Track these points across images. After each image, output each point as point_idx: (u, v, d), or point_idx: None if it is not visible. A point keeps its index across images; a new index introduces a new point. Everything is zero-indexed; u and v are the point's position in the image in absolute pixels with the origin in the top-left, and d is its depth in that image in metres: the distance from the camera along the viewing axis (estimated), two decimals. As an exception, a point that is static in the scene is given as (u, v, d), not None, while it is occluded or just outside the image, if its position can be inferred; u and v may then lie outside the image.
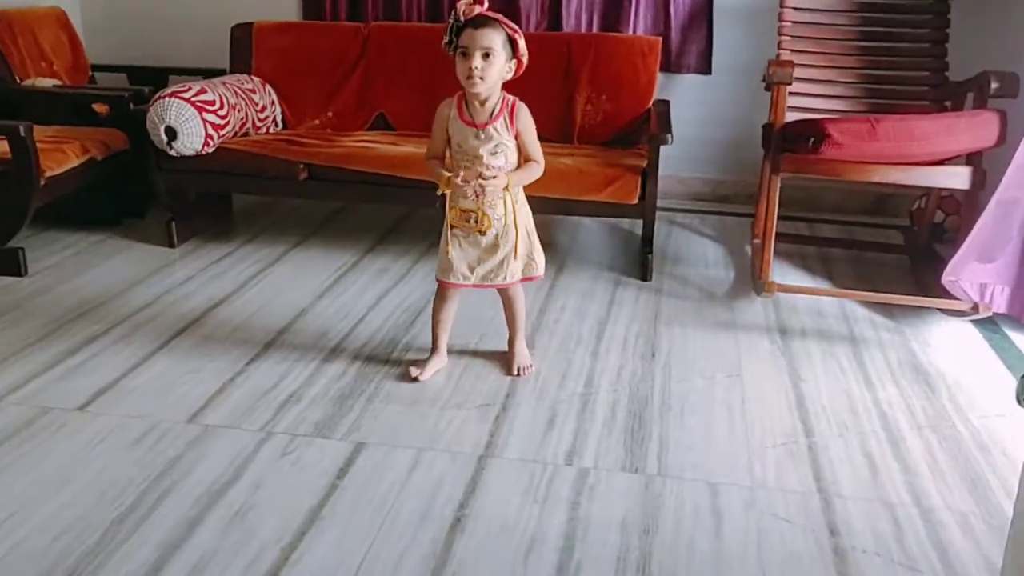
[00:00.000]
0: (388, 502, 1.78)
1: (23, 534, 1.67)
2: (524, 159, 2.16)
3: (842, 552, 1.67)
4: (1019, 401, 1.35)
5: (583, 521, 1.74)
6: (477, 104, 2.07)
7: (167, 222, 3.21)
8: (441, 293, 2.28)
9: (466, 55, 1.99)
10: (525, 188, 2.21)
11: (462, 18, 1.99)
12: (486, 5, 2.01)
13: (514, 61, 2.06)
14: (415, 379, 2.26)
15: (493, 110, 2.08)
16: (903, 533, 1.73)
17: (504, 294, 2.28)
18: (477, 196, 2.09)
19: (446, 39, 2.02)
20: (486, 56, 1.99)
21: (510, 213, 2.15)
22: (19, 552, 1.62)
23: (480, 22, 1.99)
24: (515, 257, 2.18)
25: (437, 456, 1.94)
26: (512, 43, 2.03)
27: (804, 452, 2.01)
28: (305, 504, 1.77)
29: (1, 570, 1.59)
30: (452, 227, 2.16)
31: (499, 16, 2.02)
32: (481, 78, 2.00)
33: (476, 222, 2.13)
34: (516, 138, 2.12)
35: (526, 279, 2.25)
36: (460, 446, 1.98)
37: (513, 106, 2.10)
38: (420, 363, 2.32)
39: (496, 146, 2.09)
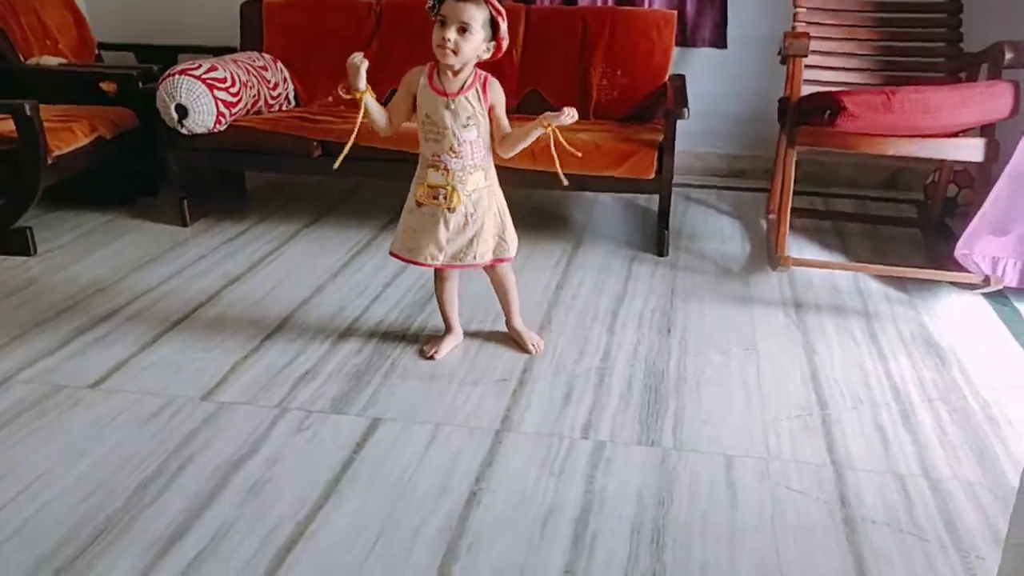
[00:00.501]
0: (405, 476, 1.79)
1: (50, 496, 1.71)
2: (496, 128, 2.09)
3: (852, 523, 1.68)
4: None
5: (599, 494, 1.74)
6: (450, 74, 2.02)
7: (179, 201, 3.21)
8: (437, 275, 2.25)
9: (444, 24, 1.95)
10: (536, 161, 2.16)
11: None
12: None
13: (493, 43, 2.01)
14: (431, 358, 2.26)
15: (464, 82, 2.03)
16: (912, 504, 1.74)
17: (491, 274, 2.26)
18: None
19: (430, 3, 1.97)
20: (463, 31, 1.94)
21: (481, 190, 2.11)
22: (48, 510, 1.67)
23: None
24: (486, 236, 2.14)
25: (454, 431, 1.95)
26: (494, 24, 1.98)
27: (818, 425, 2.01)
28: (322, 478, 1.78)
29: (30, 527, 1.63)
30: (419, 204, 2.11)
31: None
32: (453, 51, 1.95)
33: (445, 199, 2.07)
34: (489, 112, 2.07)
35: (496, 261, 2.20)
36: (477, 421, 1.99)
37: (485, 80, 2.06)
38: (434, 341, 2.32)
39: (468, 118, 2.03)
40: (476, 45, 1.98)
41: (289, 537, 1.61)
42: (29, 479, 1.76)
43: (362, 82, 2.01)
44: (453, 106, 2.03)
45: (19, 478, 1.76)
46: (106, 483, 1.75)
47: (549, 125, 2.01)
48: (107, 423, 1.96)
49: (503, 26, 1.99)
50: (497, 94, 2.07)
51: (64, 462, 1.81)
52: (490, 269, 2.24)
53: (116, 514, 1.66)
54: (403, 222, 2.17)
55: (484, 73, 2.07)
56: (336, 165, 2.13)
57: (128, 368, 2.21)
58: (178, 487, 1.74)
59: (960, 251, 2.58)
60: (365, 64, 1.99)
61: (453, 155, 2.05)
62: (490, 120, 2.08)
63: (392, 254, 2.20)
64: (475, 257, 2.15)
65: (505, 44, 2.03)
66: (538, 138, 2.06)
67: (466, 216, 2.10)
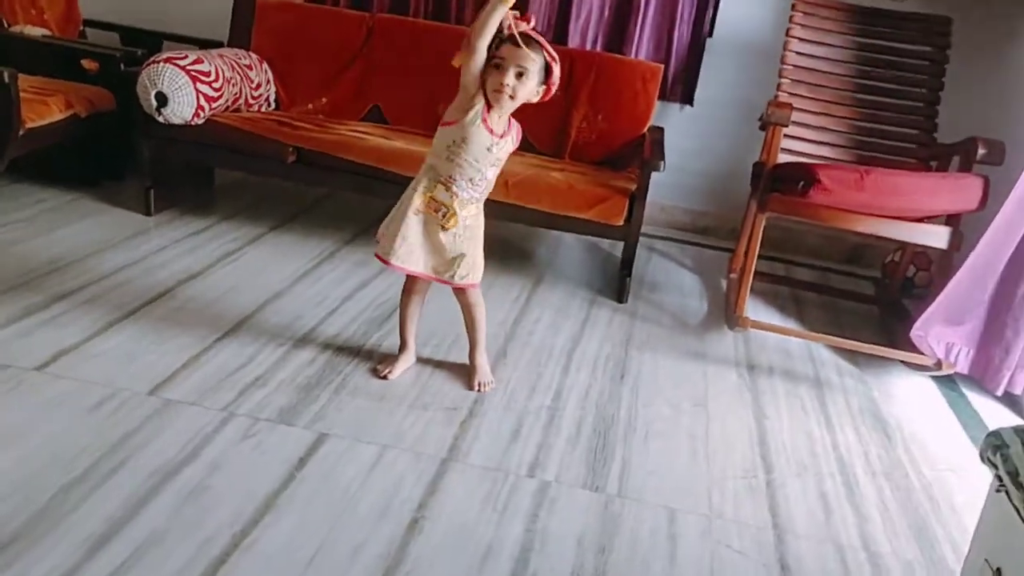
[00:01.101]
0: (347, 496, 1.76)
1: (-31, 490, 1.63)
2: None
3: (791, 590, 1.70)
4: (983, 459, 1.38)
5: (540, 534, 1.74)
6: (497, 116, 2.05)
7: (146, 189, 3.15)
8: (408, 287, 2.26)
9: (500, 68, 1.97)
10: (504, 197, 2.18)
11: (506, 32, 1.96)
12: (532, 23, 1.99)
13: (543, 87, 2.04)
14: (384, 377, 2.24)
15: (506, 126, 2.08)
16: (850, 575, 1.76)
17: (463, 300, 2.26)
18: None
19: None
20: (519, 76, 1.98)
21: (475, 216, 2.14)
22: (-39, 508, 1.59)
23: (524, 41, 1.96)
24: (467, 259, 2.15)
25: (400, 454, 1.93)
26: (547, 69, 2.02)
27: (762, 487, 2.03)
28: (262, 490, 1.74)
29: (-57, 524, 1.55)
30: (418, 212, 2.11)
31: (542, 40, 2.01)
32: (511, 96, 1.99)
33: (444, 217, 2.09)
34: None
35: (468, 285, 2.21)
36: (424, 447, 1.97)
37: (519, 128, 2.12)
38: (388, 360, 2.30)
39: (497, 160, 2.10)
40: (530, 90, 2.01)
41: (224, 549, 1.57)
42: (-50, 464, 1.69)
43: None
44: (494, 148, 2.06)
45: (-58, 460, 1.69)
46: (34, 478, 1.68)
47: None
48: (46, 410, 1.90)
49: (556, 71, 2.02)
50: (518, 142, 2.15)
51: (-4, 445, 1.75)
52: (462, 295, 2.24)
53: (39, 514, 1.59)
54: (394, 227, 2.13)
55: (515, 121, 2.11)
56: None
57: (76, 353, 2.15)
58: (110, 488, 1.68)
59: (916, 332, 2.65)
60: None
61: (470, 185, 2.08)
62: None
63: (378, 256, 2.16)
64: (452, 276, 2.15)
65: (555, 89, 2.06)
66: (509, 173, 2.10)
67: (454, 236, 2.12)
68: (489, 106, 2.04)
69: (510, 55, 1.97)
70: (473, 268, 2.19)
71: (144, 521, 1.61)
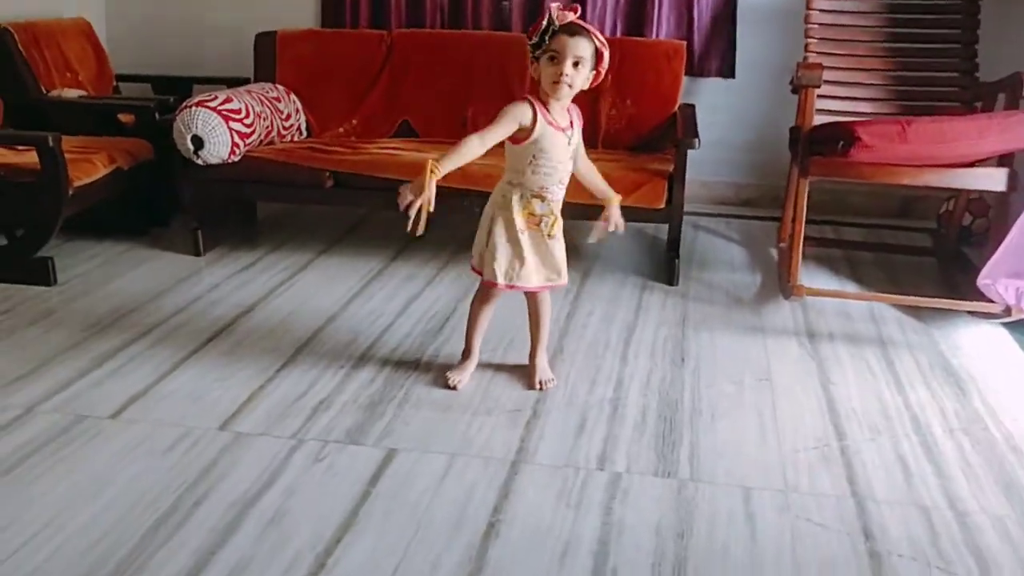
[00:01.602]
0: (421, 508, 1.78)
1: (61, 540, 1.68)
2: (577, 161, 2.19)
3: (878, 556, 1.66)
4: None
5: (617, 526, 1.73)
6: (558, 108, 2.06)
7: (193, 230, 3.23)
8: (484, 296, 2.26)
9: (556, 60, 1.99)
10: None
11: (556, 23, 1.97)
12: (579, 12, 2.00)
13: (593, 72, 2.05)
14: (454, 387, 2.26)
15: (568, 114, 2.09)
16: (938, 537, 1.72)
17: (534, 301, 2.27)
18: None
19: (535, 39, 2.00)
20: (576, 64, 1.99)
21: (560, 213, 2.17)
22: (58, 557, 1.63)
23: (575, 30, 1.98)
24: (563, 254, 2.19)
25: (469, 462, 1.94)
26: (598, 55, 2.03)
27: (837, 456, 2.00)
28: (339, 510, 1.77)
29: (40, 575, 1.60)
30: (523, 230, 2.12)
31: (590, 27, 2.02)
32: (569, 85, 2.00)
33: (548, 226, 2.13)
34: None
35: (564, 283, 2.23)
36: (492, 451, 1.98)
37: (579, 112, 2.13)
38: (455, 371, 2.32)
39: (575, 150, 2.12)
40: (585, 77, 2.03)
41: (308, 570, 1.59)
42: (44, 520, 1.73)
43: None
44: (571, 139, 2.09)
45: (35, 518, 1.73)
46: (120, 523, 1.72)
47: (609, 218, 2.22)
48: (125, 455, 1.96)
49: (606, 56, 2.04)
50: (581, 123, 2.15)
51: (80, 499, 1.80)
52: (534, 296, 2.25)
53: (128, 557, 1.63)
54: (505, 250, 2.13)
55: (573, 105, 2.12)
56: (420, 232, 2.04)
57: (146, 398, 2.21)
58: (194, 523, 1.73)
59: (983, 280, 2.57)
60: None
61: (560, 186, 2.11)
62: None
63: (490, 283, 2.17)
64: (560, 275, 2.19)
65: (603, 73, 2.07)
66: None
67: (558, 239, 2.17)
68: (544, 103, 2.05)
69: (564, 46, 1.97)
70: (564, 266, 2.22)
71: (230, 551, 1.64)
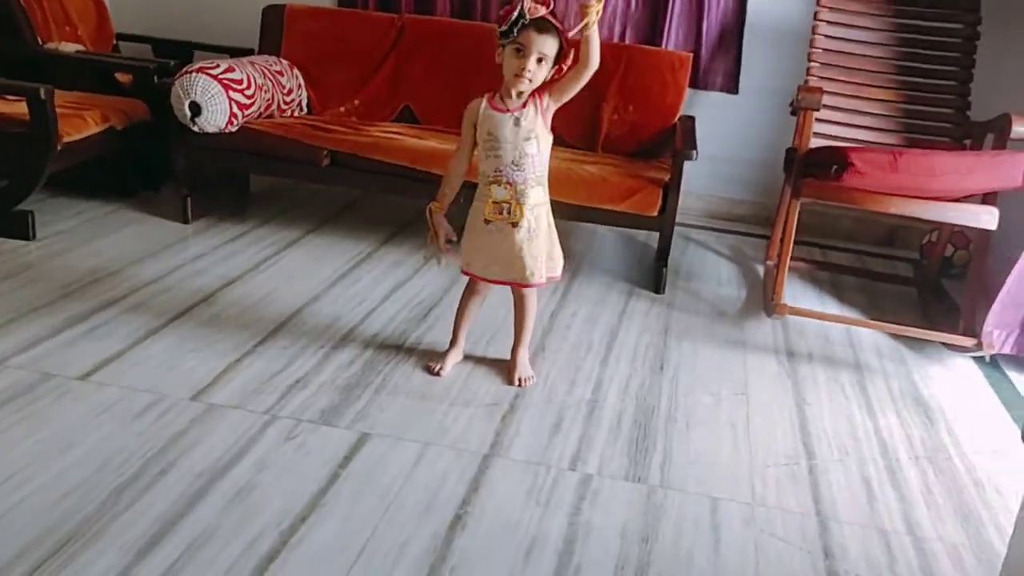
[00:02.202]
0: (391, 493, 1.78)
1: (25, 493, 1.67)
2: (574, 64, 2.07)
3: (835, 575, 1.69)
4: (1027, 440, 1.36)
5: (584, 526, 1.74)
6: (514, 95, 2.08)
7: (183, 197, 3.21)
8: (471, 287, 2.28)
9: (521, 54, 2.00)
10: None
11: (527, 16, 1.98)
12: (551, 7, 2.01)
13: (554, 67, 2.07)
14: (437, 374, 2.27)
15: (524, 100, 2.10)
16: (895, 561, 1.75)
17: (519, 296, 2.28)
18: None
19: (503, 28, 2.01)
20: (539, 60, 2.01)
21: (540, 206, 2.15)
22: (22, 508, 1.63)
23: (543, 27, 1.99)
24: (541, 255, 2.18)
25: (442, 451, 1.95)
26: (561, 52, 2.05)
27: (805, 474, 2.02)
28: (308, 489, 1.77)
29: (3, 524, 1.59)
30: (487, 221, 2.14)
31: (560, 24, 2.02)
32: (530, 80, 2.02)
33: (509, 213, 2.12)
34: (552, 94, 2.09)
35: (549, 278, 2.24)
36: (466, 443, 1.99)
37: (539, 93, 2.11)
38: (438, 357, 2.33)
39: (530, 131, 2.09)
40: (546, 72, 2.05)
41: (272, 547, 1.60)
42: (8, 472, 1.73)
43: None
44: (522, 120, 2.08)
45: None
46: (86, 482, 1.72)
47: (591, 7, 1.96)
48: (94, 417, 1.95)
49: (571, 56, 2.05)
50: (547, 101, 2.10)
51: (47, 456, 1.79)
52: (518, 290, 2.25)
53: (93, 516, 1.63)
54: (469, 241, 2.20)
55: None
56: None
57: (120, 362, 2.20)
58: (160, 490, 1.72)
59: (988, 330, 2.59)
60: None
61: (516, 168, 2.10)
62: (556, 86, 2.09)
63: (465, 272, 2.24)
64: (532, 274, 2.17)
65: (564, 69, 2.08)
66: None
67: (528, 232, 2.14)
68: (494, 92, 2.09)
69: (531, 42, 1.99)
70: (549, 260, 2.21)
71: (193, 521, 1.64)
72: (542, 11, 1.99)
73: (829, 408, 2.34)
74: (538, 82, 2.05)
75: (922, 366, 2.66)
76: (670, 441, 2.09)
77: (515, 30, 1.99)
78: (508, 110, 2.08)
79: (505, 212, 2.12)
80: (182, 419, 1.97)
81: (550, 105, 2.11)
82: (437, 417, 2.09)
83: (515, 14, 1.99)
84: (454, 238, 2.19)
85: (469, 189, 2.22)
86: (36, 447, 1.81)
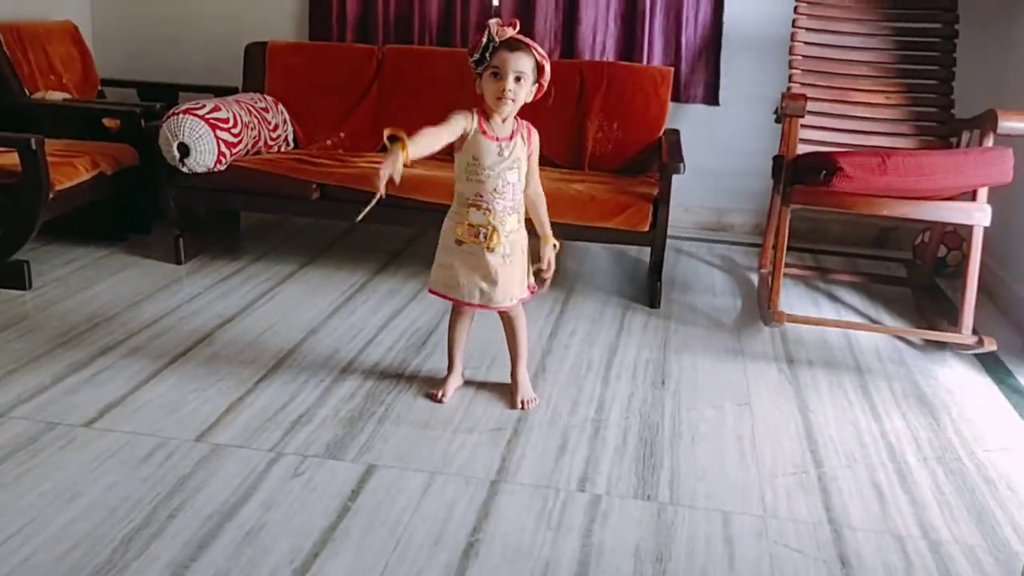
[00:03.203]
0: (401, 525, 1.77)
1: (32, 548, 1.65)
2: (531, 182, 2.20)
3: (854, 584, 1.68)
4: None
5: (596, 548, 1.73)
6: (499, 120, 2.09)
7: (175, 238, 3.20)
8: (456, 309, 2.28)
9: (498, 76, 2.02)
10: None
11: (496, 39, 2.01)
12: (518, 28, 2.03)
13: (536, 85, 2.09)
14: (440, 400, 2.27)
15: (512, 127, 2.11)
16: (912, 566, 1.74)
17: (506, 318, 2.27)
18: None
19: (476, 56, 2.03)
20: (518, 79, 2.02)
21: (516, 231, 2.16)
22: (28, 566, 1.61)
23: (515, 46, 2.01)
24: (518, 278, 2.18)
25: (449, 480, 1.94)
26: (539, 68, 2.07)
27: (814, 482, 2.01)
28: (317, 525, 1.76)
29: (10, 585, 1.58)
30: (460, 242, 2.14)
31: (530, 41, 2.05)
32: (512, 100, 2.03)
33: (486, 238, 2.11)
34: (528, 158, 2.15)
35: (510, 307, 2.21)
36: (472, 470, 1.98)
37: (529, 128, 2.15)
38: (439, 384, 2.33)
39: (514, 161, 2.11)
40: (527, 91, 2.06)
41: (285, 586, 1.59)
42: (14, 528, 1.71)
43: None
44: (505, 150, 2.09)
45: (4, 526, 1.71)
46: (94, 531, 1.70)
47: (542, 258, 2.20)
48: (99, 465, 1.93)
49: (547, 70, 2.07)
50: (536, 143, 2.16)
51: (53, 507, 1.78)
52: (505, 311, 2.25)
53: (103, 567, 1.60)
54: (440, 259, 2.20)
55: (525, 121, 2.15)
56: (359, 217, 2.07)
57: (123, 407, 2.19)
58: (169, 535, 1.71)
59: None
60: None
61: (497, 195, 2.10)
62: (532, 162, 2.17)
63: (431, 291, 2.24)
64: (507, 299, 2.17)
65: (546, 85, 2.10)
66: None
67: (503, 257, 2.14)
68: (485, 115, 2.09)
69: (506, 62, 2.01)
70: (517, 289, 2.20)
71: (205, 565, 1.63)
72: (510, 31, 2.02)
73: (833, 414, 2.34)
74: (521, 100, 2.06)
75: (923, 366, 2.67)
76: (677, 457, 2.09)
77: (487, 55, 2.02)
78: (496, 138, 2.09)
79: (481, 236, 2.11)
80: (188, 461, 1.96)
81: (530, 156, 2.15)
82: (442, 445, 2.08)
83: (484, 39, 2.01)
84: (396, 182, 1.95)
85: (437, 214, 2.22)
86: (41, 499, 1.80)
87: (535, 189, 2.23)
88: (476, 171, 2.10)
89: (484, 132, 2.09)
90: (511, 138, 2.10)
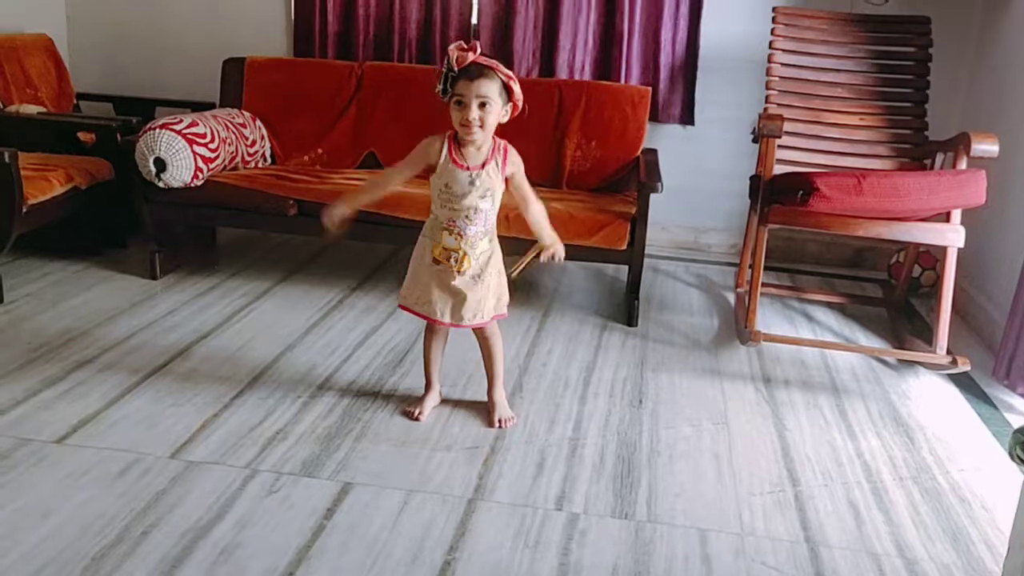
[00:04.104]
0: (378, 543, 1.76)
1: (3, 567, 1.62)
2: (521, 197, 2.19)
3: (831, 603, 1.68)
4: (1011, 456, 1.38)
5: (574, 566, 1.73)
6: (472, 148, 2.07)
7: (151, 253, 3.18)
8: (429, 327, 2.26)
9: (462, 104, 1.99)
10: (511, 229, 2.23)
11: (455, 67, 1.97)
12: (478, 51, 1.98)
13: (510, 105, 2.06)
14: (416, 419, 2.25)
15: (486, 155, 2.08)
16: (889, 585, 1.75)
17: (480, 334, 2.26)
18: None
19: (439, 87, 2.00)
20: (483, 106, 1.99)
21: (488, 251, 2.15)
22: (-2, 587, 1.58)
23: (475, 72, 1.97)
24: (489, 296, 2.17)
25: (427, 498, 1.93)
26: (507, 89, 2.03)
27: (791, 501, 2.02)
28: (293, 544, 1.74)
29: (-21, 606, 1.55)
30: (436, 261, 2.13)
31: (493, 63, 2.00)
32: (480, 127, 2.01)
33: (457, 262, 2.11)
34: (507, 181, 2.13)
35: (495, 316, 2.22)
36: (450, 488, 1.97)
37: (505, 150, 2.11)
38: (416, 402, 2.31)
39: (487, 190, 2.09)
40: (497, 113, 2.03)
41: (259, 605, 1.57)
42: (-14, 543, 1.68)
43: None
44: (476, 180, 2.06)
45: (-25, 540, 1.69)
46: (66, 550, 1.68)
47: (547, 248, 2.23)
48: (72, 481, 1.90)
49: (516, 89, 2.03)
50: (515, 163, 2.13)
51: (24, 526, 1.75)
52: (479, 330, 2.24)
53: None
54: (413, 275, 2.18)
55: (503, 142, 2.11)
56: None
57: (96, 423, 2.16)
58: (142, 553, 1.68)
59: (1003, 383, 2.65)
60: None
61: (468, 222, 2.09)
62: (508, 187, 2.14)
63: (401, 307, 2.23)
64: (481, 316, 2.17)
65: (521, 104, 2.07)
66: (508, 207, 2.23)
67: (473, 279, 2.13)
68: (458, 142, 2.06)
69: (468, 90, 1.98)
70: (497, 301, 2.20)
71: (178, 586, 1.61)
72: (470, 57, 1.97)
73: (810, 433, 2.35)
74: (492, 124, 2.03)
75: (898, 386, 2.69)
76: (654, 475, 2.09)
77: (448, 85, 1.99)
78: (467, 167, 2.06)
79: (452, 260, 2.11)
80: (162, 478, 1.94)
81: (511, 176, 2.13)
82: (419, 463, 2.07)
83: (443, 68, 1.99)
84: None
85: (416, 231, 2.22)
86: (13, 517, 1.77)
87: (535, 209, 2.20)
88: (449, 199, 2.09)
89: (455, 161, 2.06)
90: (483, 167, 2.07)
